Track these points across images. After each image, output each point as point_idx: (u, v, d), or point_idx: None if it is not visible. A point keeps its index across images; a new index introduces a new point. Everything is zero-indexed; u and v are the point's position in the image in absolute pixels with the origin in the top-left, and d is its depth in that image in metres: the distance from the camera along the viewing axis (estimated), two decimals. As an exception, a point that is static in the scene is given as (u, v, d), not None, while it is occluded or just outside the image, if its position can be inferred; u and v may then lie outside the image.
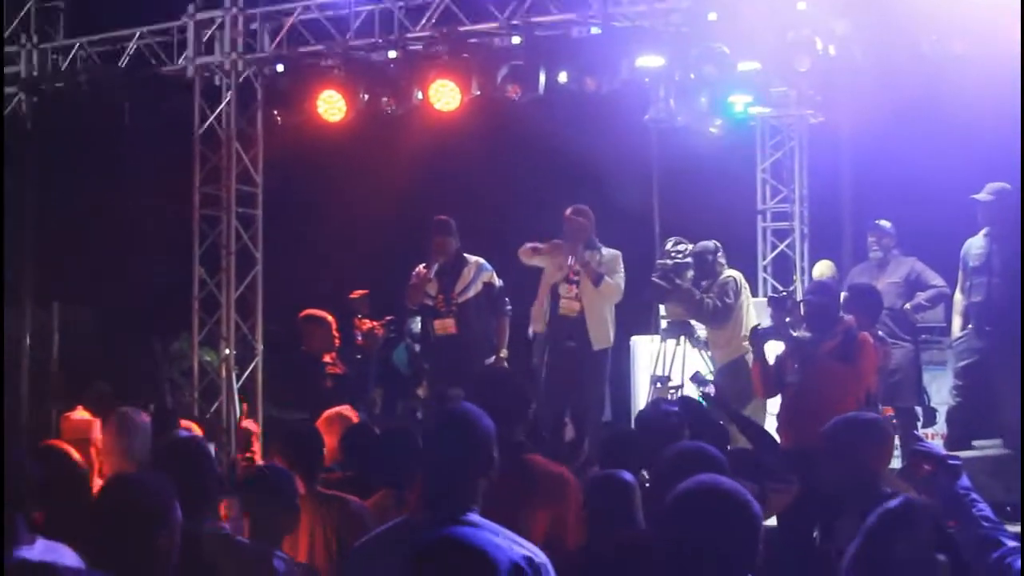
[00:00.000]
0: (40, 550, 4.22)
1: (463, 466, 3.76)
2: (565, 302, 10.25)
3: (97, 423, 9.72)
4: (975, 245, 9.86)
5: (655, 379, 10.56)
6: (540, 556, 3.61)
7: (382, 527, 3.95)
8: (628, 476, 5.08)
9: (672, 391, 9.83)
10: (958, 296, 10.02)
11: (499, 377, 7.01)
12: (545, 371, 10.40)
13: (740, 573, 3.17)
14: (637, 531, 4.94)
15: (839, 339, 8.15)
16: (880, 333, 9.34)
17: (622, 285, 10.26)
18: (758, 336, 8.63)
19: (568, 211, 10.32)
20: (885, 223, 11.21)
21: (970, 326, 9.80)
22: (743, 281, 10.40)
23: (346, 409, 8.07)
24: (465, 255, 10.37)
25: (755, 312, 10.31)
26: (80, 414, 9.96)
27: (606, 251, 10.33)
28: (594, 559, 4.74)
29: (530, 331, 10.51)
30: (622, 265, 10.30)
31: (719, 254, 10.39)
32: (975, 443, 9.55)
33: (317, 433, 6.92)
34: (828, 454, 5.61)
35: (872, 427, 5.56)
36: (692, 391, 9.84)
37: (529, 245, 10.39)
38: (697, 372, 10.03)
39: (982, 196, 9.75)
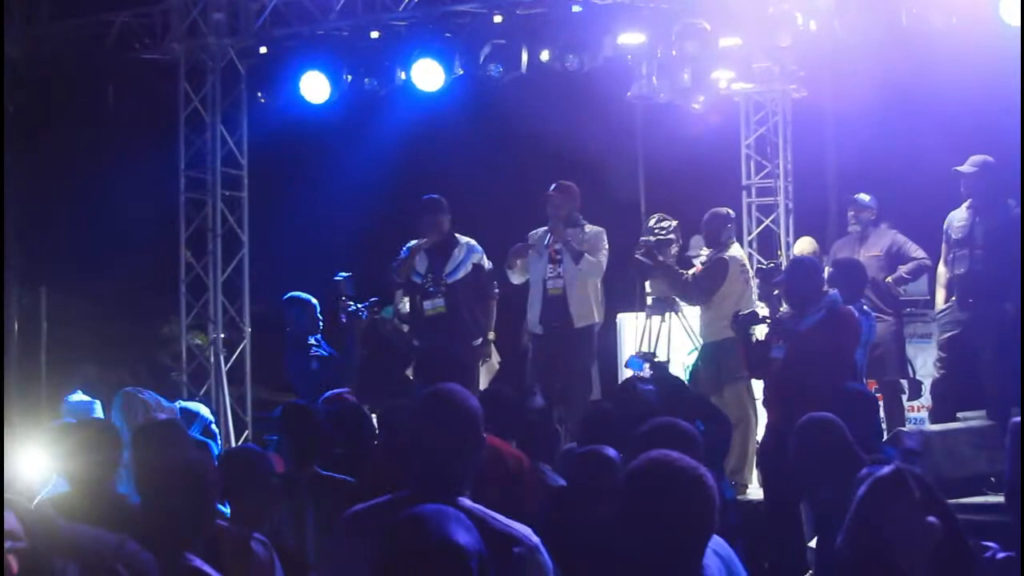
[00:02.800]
0: None
1: (452, 448, 3.73)
2: (551, 282, 10.29)
3: (96, 404, 9.78)
4: (957, 217, 9.88)
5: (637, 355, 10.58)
6: (530, 539, 3.61)
7: (369, 503, 3.93)
8: (611, 452, 5.12)
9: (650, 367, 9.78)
10: (941, 269, 10.05)
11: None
12: (532, 350, 10.45)
13: (696, 548, 3.18)
14: (614, 504, 4.97)
15: (823, 314, 8.18)
16: (865, 307, 9.38)
17: (604, 262, 10.27)
18: (740, 322, 8.65)
19: (551, 188, 10.34)
20: (863, 196, 11.22)
21: (953, 298, 9.85)
22: (743, 264, 10.27)
23: (345, 392, 8.16)
24: (456, 235, 10.40)
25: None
26: (80, 396, 10.00)
27: (589, 228, 10.35)
28: (576, 535, 4.78)
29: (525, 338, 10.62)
30: (606, 242, 10.31)
31: (727, 226, 10.30)
32: (959, 415, 9.60)
33: (316, 414, 6.98)
34: (810, 426, 5.68)
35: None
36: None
37: (509, 260, 10.43)
38: (632, 357, 10.03)
39: (965, 168, 9.76)
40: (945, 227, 10.02)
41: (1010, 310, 9.48)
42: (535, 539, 3.61)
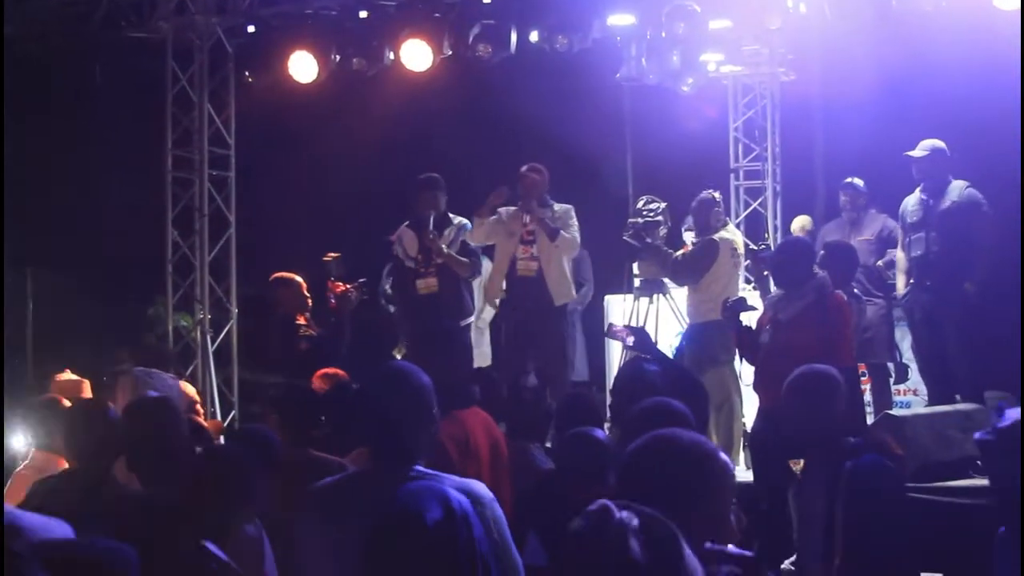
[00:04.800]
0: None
1: (405, 420, 3.89)
2: (522, 263, 10.26)
3: (86, 383, 9.75)
4: (911, 202, 10.01)
5: (611, 325, 10.56)
6: (485, 493, 3.83)
7: (333, 478, 4.08)
8: (600, 434, 5.12)
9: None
10: (899, 255, 10.15)
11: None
12: (505, 334, 10.45)
13: (709, 526, 3.13)
14: (608, 488, 4.97)
15: (811, 297, 8.17)
16: (855, 291, 9.40)
17: (578, 238, 10.27)
18: (729, 309, 8.64)
19: (523, 168, 10.32)
20: (858, 181, 11.25)
21: (911, 281, 9.94)
22: (736, 246, 10.14)
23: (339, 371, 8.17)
24: (450, 215, 10.39)
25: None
26: (68, 376, 9.97)
27: (558, 206, 10.34)
28: (556, 514, 4.79)
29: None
30: (575, 219, 10.30)
31: (715, 210, 10.25)
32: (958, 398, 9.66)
33: (310, 395, 6.97)
34: (788, 407, 5.68)
35: (827, 379, 5.61)
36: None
37: (475, 221, 10.36)
38: (611, 325, 10.00)
39: (916, 152, 9.88)
40: (901, 212, 10.15)
41: (970, 290, 9.58)
42: (489, 492, 3.86)
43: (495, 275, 10.44)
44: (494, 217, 10.27)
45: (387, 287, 11.33)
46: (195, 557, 4.00)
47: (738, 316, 8.59)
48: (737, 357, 9.38)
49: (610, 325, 10.15)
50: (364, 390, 4.27)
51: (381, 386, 4.03)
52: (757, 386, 8.42)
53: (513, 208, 10.30)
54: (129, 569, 2.83)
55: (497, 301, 10.43)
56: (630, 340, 8.29)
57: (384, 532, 2.80)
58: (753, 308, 8.75)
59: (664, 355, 8.09)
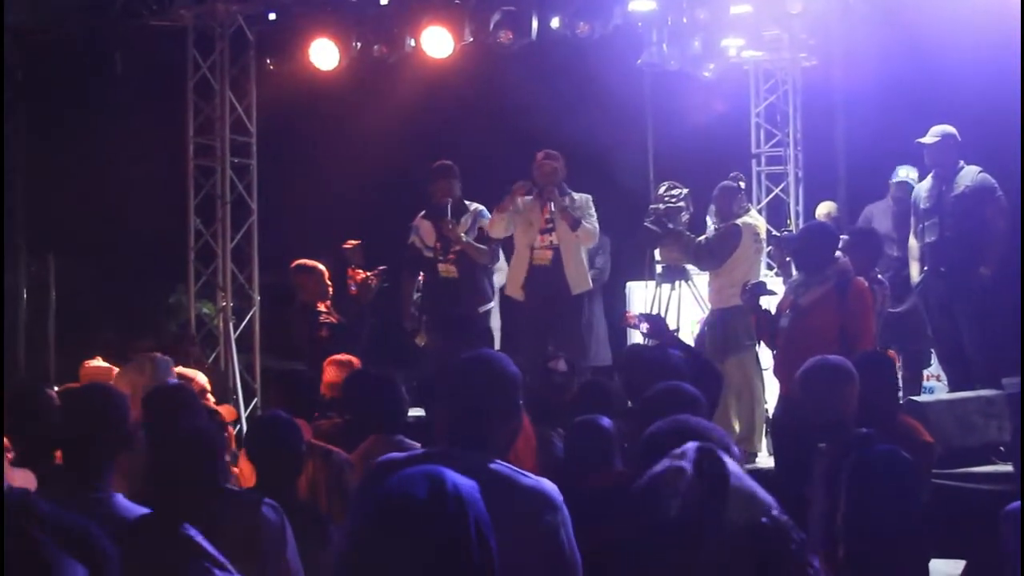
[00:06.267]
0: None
1: (488, 409, 3.71)
2: (539, 252, 10.26)
3: (116, 371, 9.79)
4: (924, 188, 10.06)
5: (626, 314, 10.58)
6: (556, 497, 3.61)
7: (402, 454, 3.85)
8: (605, 421, 5.12)
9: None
10: (912, 242, 10.16)
11: None
12: (523, 322, 10.44)
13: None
14: (612, 474, 4.97)
15: (832, 282, 8.15)
16: (880, 276, 9.37)
17: (597, 228, 10.26)
18: (749, 292, 8.62)
19: (539, 156, 10.30)
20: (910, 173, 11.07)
21: (925, 268, 9.92)
22: (758, 231, 10.16)
23: (353, 358, 8.18)
24: (466, 202, 10.39)
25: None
26: (98, 362, 10.01)
27: (577, 195, 10.32)
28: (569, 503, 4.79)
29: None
30: (594, 208, 10.30)
31: (738, 196, 10.21)
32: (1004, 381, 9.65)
33: (312, 381, 6.99)
34: (800, 397, 5.68)
35: (837, 370, 5.59)
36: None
37: (495, 214, 10.34)
38: (625, 313, 9.95)
39: (927, 139, 9.91)
40: (913, 199, 10.17)
41: (986, 275, 9.56)
42: (558, 497, 3.60)
43: (517, 265, 10.43)
44: (511, 208, 10.26)
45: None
46: (173, 544, 3.92)
47: (758, 300, 8.58)
48: (759, 343, 9.37)
49: (624, 314, 10.17)
50: (446, 373, 4.05)
51: (464, 371, 3.82)
52: (777, 371, 8.41)
53: (530, 197, 10.28)
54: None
55: (522, 291, 10.39)
56: (644, 327, 8.29)
57: (371, 514, 2.78)
58: (773, 292, 8.74)
59: (680, 341, 8.09)
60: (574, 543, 3.59)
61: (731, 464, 2.39)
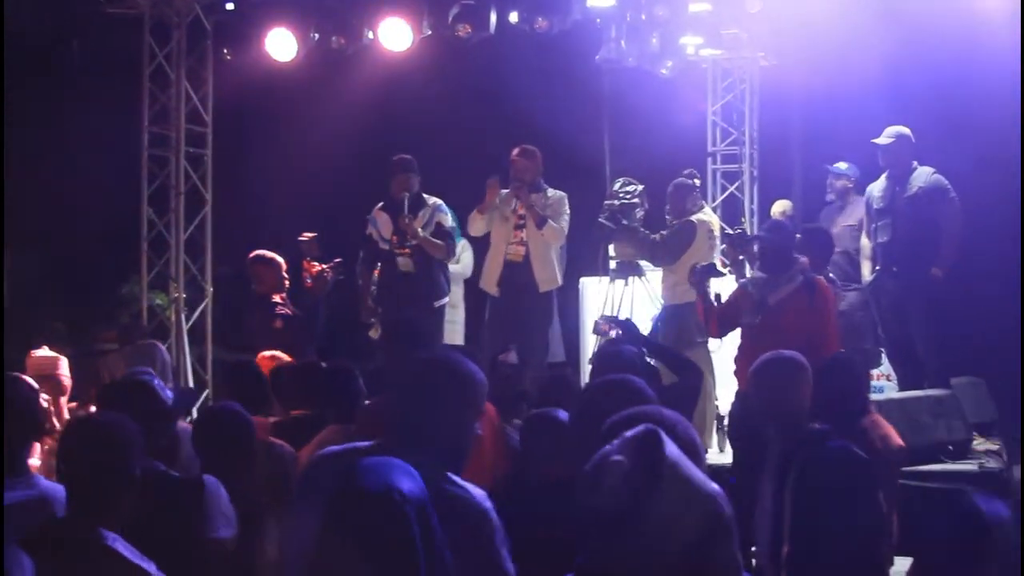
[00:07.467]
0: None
1: (421, 411, 3.69)
2: (511, 248, 10.29)
3: (63, 360, 9.71)
4: (877, 188, 10.14)
5: (597, 321, 10.58)
6: (481, 503, 3.58)
7: (338, 447, 3.84)
8: (562, 415, 5.12)
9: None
10: (864, 241, 10.28)
11: None
12: (489, 317, 10.44)
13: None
14: (568, 465, 4.97)
15: (799, 282, 8.17)
16: (831, 276, 9.42)
17: (566, 228, 10.27)
18: (699, 274, 8.63)
19: (514, 152, 10.31)
20: (841, 165, 11.30)
21: (877, 267, 10.00)
22: (712, 228, 10.21)
23: (279, 353, 8.18)
24: (424, 195, 10.37)
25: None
26: (45, 352, 9.95)
27: (552, 192, 10.33)
28: (521, 495, 4.79)
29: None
30: (567, 207, 10.31)
31: (692, 194, 10.25)
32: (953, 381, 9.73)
33: (259, 374, 6.95)
34: (754, 391, 5.68)
35: (792, 364, 5.59)
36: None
37: (474, 213, 10.38)
38: (596, 323, 9.99)
39: (882, 139, 10.00)
40: (866, 198, 10.26)
41: (937, 275, 9.65)
42: (486, 503, 3.58)
43: (492, 260, 10.44)
44: (491, 208, 10.30)
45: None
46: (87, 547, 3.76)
47: (706, 282, 8.60)
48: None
49: (596, 323, 10.18)
50: (399, 373, 3.99)
51: (415, 371, 3.79)
52: (740, 370, 8.36)
53: (506, 191, 10.32)
54: None
55: (496, 287, 10.40)
56: (614, 333, 8.29)
57: (355, 504, 2.79)
58: (722, 274, 8.76)
59: (654, 342, 8.10)
60: (503, 551, 3.57)
61: (672, 450, 2.39)
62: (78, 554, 3.70)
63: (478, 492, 3.61)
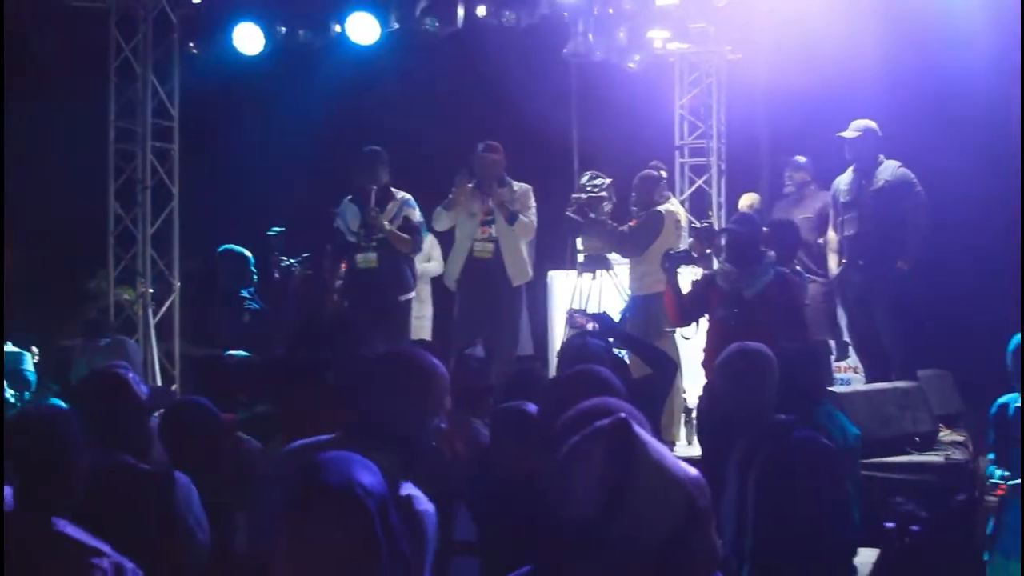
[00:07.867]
0: None
1: (382, 406, 3.75)
2: (479, 245, 10.30)
3: (26, 355, 9.66)
4: (843, 182, 10.23)
5: (572, 313, 10.61)
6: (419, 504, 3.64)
7: (304, 441, 3.92)
8: (530, 407, 5.13)
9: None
10: (831, 235, 10.35)
11: None
12: (459, 311, 10.44)
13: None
14: (534, 460, 4.97)
15: (771, 275, 8.19)
16: (797, 268, 9.48)
17: (535, 221, 10.32)
18: (671, 260, 8.65)
19: (479, 148, 10.31)
20: (799, 158, 11.40)
21: (844, 260, 10.06)
22: (679, 219, 10.29)
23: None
24: (392, 189, 10.35)
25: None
26: (8, 348, 9.90)
27: (517, 186, 10.36)
28: (490, 488, 4.80)
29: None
30: (533, 199, 10.34)
31: (659, 186, 10.28)
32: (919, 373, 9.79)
33: (226, 369, 6.95)
34: (720, 383, 5.69)
35: (757, 355, 5.60)
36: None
37: (439, 209, 10.38)
38: (570, 314, 10.00)
39: (848, 133, 10.08)
40: (832, 192, 10.31)
41: (903, 268, 9.72)
42: (425, 505, 3.65)
43: (456, 255, 10.44)
44: (454, 197, 10.29)
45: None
46: (43, 544, 3.76)
47: (677, 268, 8.63)
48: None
49: (570, 314, 10.19)
50: (360, 369, 4.03)
51: (379, 368, 3.86)
52: (709, 362, 8.36)
53: (471, 185, 10.31)
54: None
55: (455, 282, 10.43)
56: (590, 326, 8.31)
57: (317, 498, 2.81)
58: (694, 261, 8.79)
59: (629, 335, 8.12)
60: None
61: (645, 437, 2.39)
62: (29, 543, 3.70)
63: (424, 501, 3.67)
